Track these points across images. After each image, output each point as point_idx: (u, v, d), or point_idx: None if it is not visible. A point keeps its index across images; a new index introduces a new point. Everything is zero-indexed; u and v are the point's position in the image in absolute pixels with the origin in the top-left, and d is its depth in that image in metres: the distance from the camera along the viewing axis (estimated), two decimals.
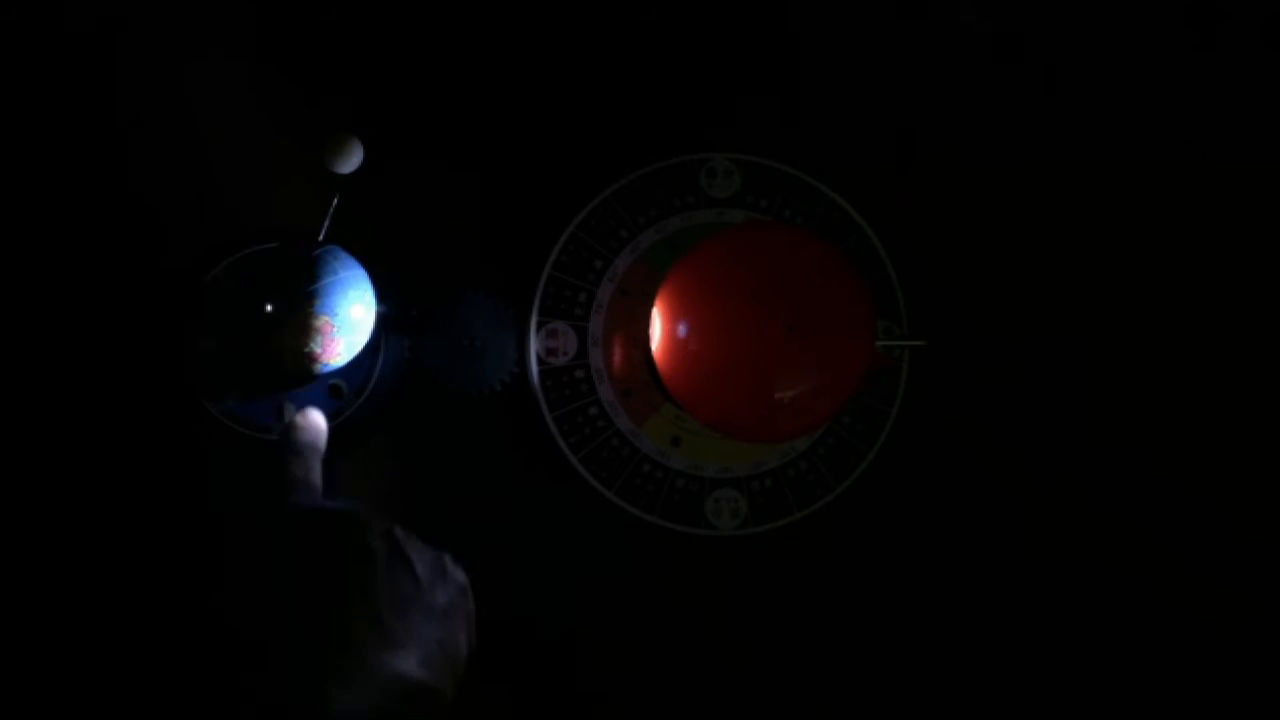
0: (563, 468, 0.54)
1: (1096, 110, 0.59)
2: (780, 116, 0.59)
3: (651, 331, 0.51)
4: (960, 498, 0.57)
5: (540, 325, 0.55)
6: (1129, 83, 0.60)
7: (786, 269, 0.50)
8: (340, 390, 0.52)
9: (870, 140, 0.59)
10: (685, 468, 0.54)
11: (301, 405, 0.47)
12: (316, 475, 0.41)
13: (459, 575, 0.40)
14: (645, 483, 0.54)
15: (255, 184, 0.55)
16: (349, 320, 0.49)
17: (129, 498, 0.53)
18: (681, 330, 0.50)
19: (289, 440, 0.42)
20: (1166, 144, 0.59)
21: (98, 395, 0.53)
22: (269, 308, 0.48)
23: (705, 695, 0.55)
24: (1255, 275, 0.59)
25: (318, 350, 0.49)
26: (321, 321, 0.48)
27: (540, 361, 0.55)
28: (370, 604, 0.34)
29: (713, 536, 0.54)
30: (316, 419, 0.44)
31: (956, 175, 0.59)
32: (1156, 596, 0.56)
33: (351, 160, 0.49)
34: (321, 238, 0.50)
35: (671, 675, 0.55)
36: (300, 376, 0.51)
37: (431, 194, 0.56)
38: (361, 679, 0.32)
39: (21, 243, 0.54)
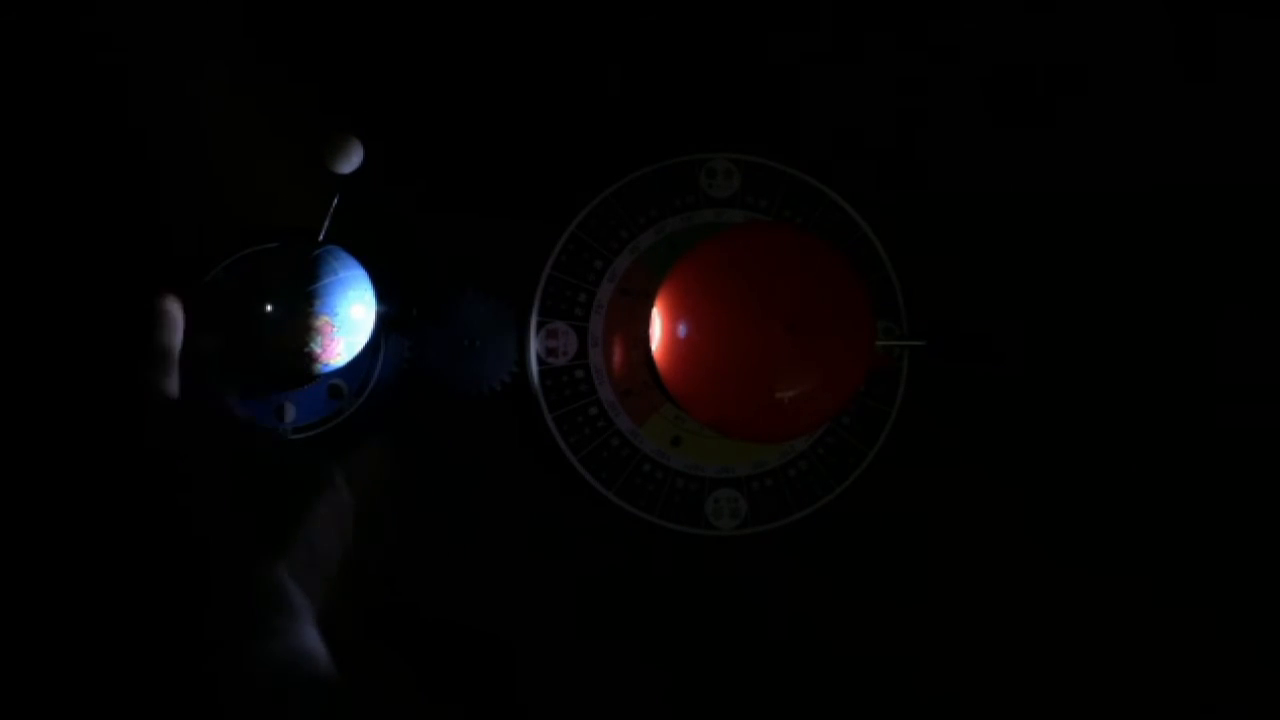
0: (563, 468, 0.54)
1: (1101, 112, 0.59)
2: (780, 116, 0.59)
3: (651, 331, 0.51)
4: (960, 498, 0.57)
5: (540, 325, 0.55)
6: (1133, 84, 0.60)
7: (786, 269, 0.50)
8: (340, 390, 0.52)
9: (870, 140, 0.59)
10: (685, 468, 0.54)
11: (299, 405, 0.46)
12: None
13: (336, 475, 0.39)
14: (645, 483, 0.54)
15: (255, 184, 0.55)
16: (349, 320, 0.49)
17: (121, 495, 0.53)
18: (681, 330, 0.50)
19: (162, 334, 0.41)
20: (1169, 140, 0.59)
21: (96, 395, 0.53)
22: (269, 308, 0.48)
23: (705, 695, 0.55)
24: (1256, 291, 0.59)
25: (318, 350, 0.49)
26: (321, 321, 0.48)
27: (540, 361, 0.55)
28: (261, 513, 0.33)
29: (713, 536, 0.54)
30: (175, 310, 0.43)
31: (957, 175, 0.59)
32: (1161, 596, 0.56)
33: (351, 160, 0.49)
34: (321, 238, 0.50)
35: (671, 675, 0.55)
36: (300, 376, 0.51)
37: (431, 194, 0.56)
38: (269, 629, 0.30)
39: (20, 243, 0.54)
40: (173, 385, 0.40)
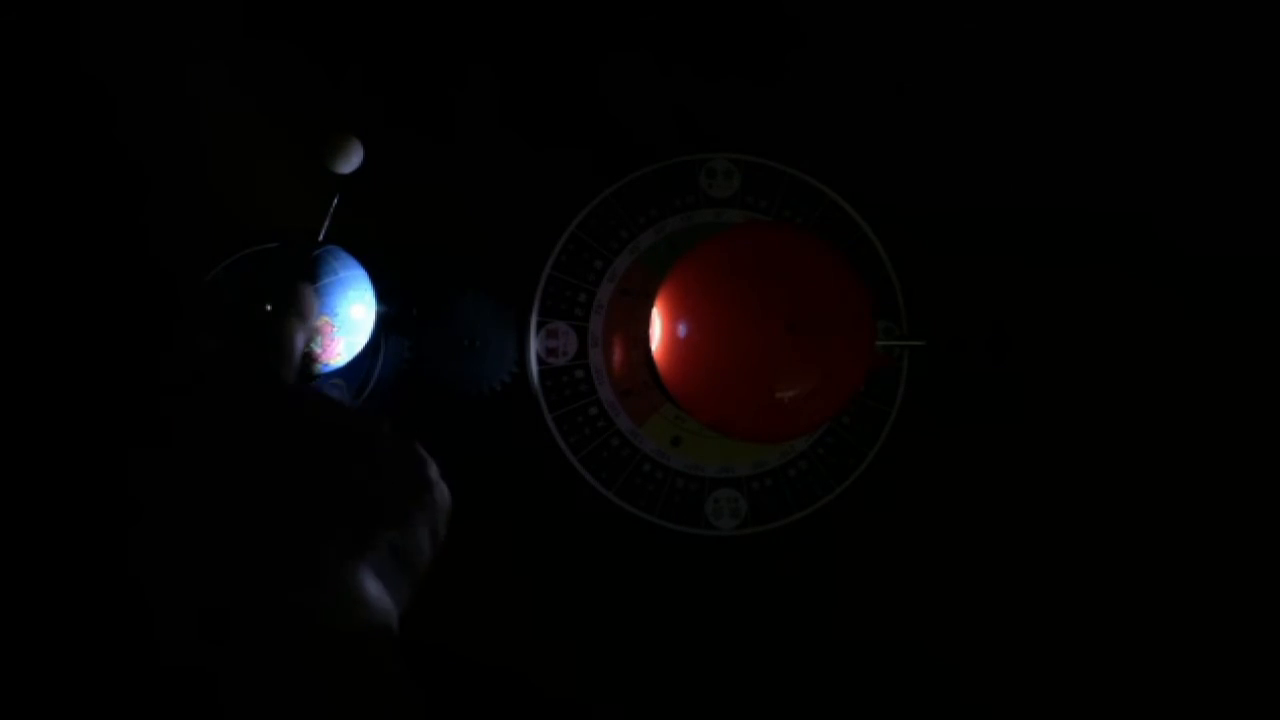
0: (563, 468, 0.54)
1: (1099, 109, 0.59)
2: (780, 116, 0.59)
3: (651, 331, 0.51)
4: (960, 498, 0.57)
5: (540, 325, 0.55)
6: (1131, 78, 0.60)
7: (786, 269, 0.50)
8: (340, 390, 0.52)
9: (870, 140, 0.59)
10: (685, 468, 0.54)
11: None
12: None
13: (431, 471, 0.37)
14: (645, 483, 0.54)
15: (255, 184, 0.55)
16: (349, 320, 0.49)
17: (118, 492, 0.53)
18: (681, 330, 0.50)
19: (297, 302, 0.41)
20: (1169, 140, 0.59)
21: (94, 395, 0.53)
22: (269, 308, 0.48)
23: (705, 695, 0.55)
24: (1256, 291, 0.59)
25: (318, 350, 0.49)
26: (321, 321, 0.48)
27: (540, 361, 0.55)
28: (345, 505, 0.31)
29: (713, 536, 0.54)
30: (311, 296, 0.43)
31: (957, 175, 0.59)
32: (1160, 596, 0.56)
33: (351, 160, 0.49)
34: (321, 238, 0.50)
35: (671, 675, 0.55)
36: (300, 377, 0.51)
37: (432, 194, 0.57)
38: (320, 581, 0.29)
39: (20, 243, 0.54)
40: (288, 373, 0.40)
